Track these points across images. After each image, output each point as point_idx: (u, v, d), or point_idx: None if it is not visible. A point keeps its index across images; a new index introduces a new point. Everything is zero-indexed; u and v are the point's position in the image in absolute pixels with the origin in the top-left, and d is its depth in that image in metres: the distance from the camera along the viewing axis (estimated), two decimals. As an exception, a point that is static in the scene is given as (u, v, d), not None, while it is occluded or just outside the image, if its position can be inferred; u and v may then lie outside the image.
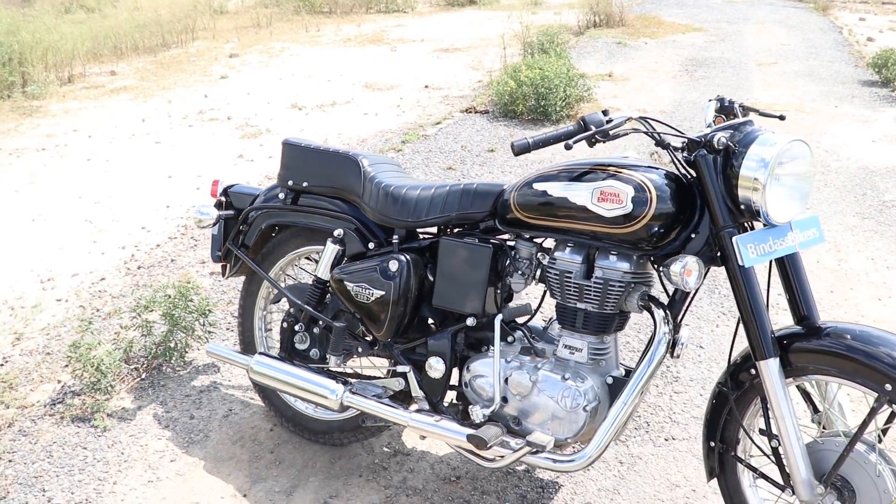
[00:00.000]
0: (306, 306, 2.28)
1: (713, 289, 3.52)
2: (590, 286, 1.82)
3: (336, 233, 2.21)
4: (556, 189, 1.80)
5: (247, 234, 2.41)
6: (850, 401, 1.87)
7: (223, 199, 2.47)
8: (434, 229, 2.14)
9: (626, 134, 1.70)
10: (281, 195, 2.33)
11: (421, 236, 2.18)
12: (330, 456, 2.41)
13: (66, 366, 2.77)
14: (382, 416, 2.09)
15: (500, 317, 1.96)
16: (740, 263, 1.65)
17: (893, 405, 1.60)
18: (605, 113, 1.71)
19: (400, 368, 2.14)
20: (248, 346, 2.55)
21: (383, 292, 2.05)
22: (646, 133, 1.71)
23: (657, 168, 1.75)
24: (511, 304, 2.05)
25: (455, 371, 2.11)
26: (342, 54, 9.55)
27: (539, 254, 1.96)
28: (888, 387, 1.57)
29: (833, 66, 8.50)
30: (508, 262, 1.99)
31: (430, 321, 2.15)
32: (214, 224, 2.45)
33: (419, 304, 2.10)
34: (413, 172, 4.98)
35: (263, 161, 5.40)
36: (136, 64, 9.13)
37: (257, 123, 6.38)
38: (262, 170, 5.21)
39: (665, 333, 1.78)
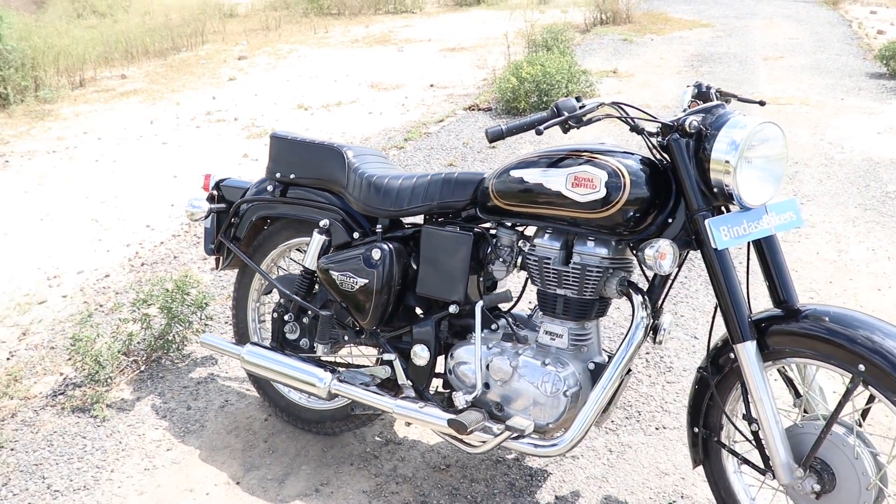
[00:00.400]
0: (295, 296, 2.32)
1: (709, 279, 3.50)
2: (568, 272, 1.84)
3: (322, 223, 2.24)
4: (532, 176, 1.82)
5: (238, 226, 2.45)
6: (831, 384, 1.87)
7: (215, 192, 2.52)
8: (420, 219, 2.17)
9: (599, 119, 1.72)
10: (270, 187, 2.37)
11: (406, 225, 2.21)
12: (322, 445, 2.45)
13: (69, 359, 2.83)
14: (369, 403, 2.12)
15: (480, 303, 1.98)
16: (713, 246, 1.66)
17: (868, 386, 1.59)
18: (577, 99, 1.73)
19: (386, 357, 2.17)
20: (242, 338, 2.60)
21: (367, 281, 2.08)
22: (619, 118, 1.73)
23: (633, 154, 1.77)
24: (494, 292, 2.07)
25: (441, 359, 2.14)
26: (349, 55, 9.62)
27: (520, 241, 1.98)
28: (861, 367, 1.57)
29: (841, 59, 8.42)
30: (490, 249, 2.01)
31: (417, 309, 2.18)
32: (206, 217, 2.49)
33: (404, 293, 2.13)
34: (414, 169, 5.01)
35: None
36: (146, 67, 9.25)
37: (263, 124, 6.45)
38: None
39: (643, 318, 1.80)
